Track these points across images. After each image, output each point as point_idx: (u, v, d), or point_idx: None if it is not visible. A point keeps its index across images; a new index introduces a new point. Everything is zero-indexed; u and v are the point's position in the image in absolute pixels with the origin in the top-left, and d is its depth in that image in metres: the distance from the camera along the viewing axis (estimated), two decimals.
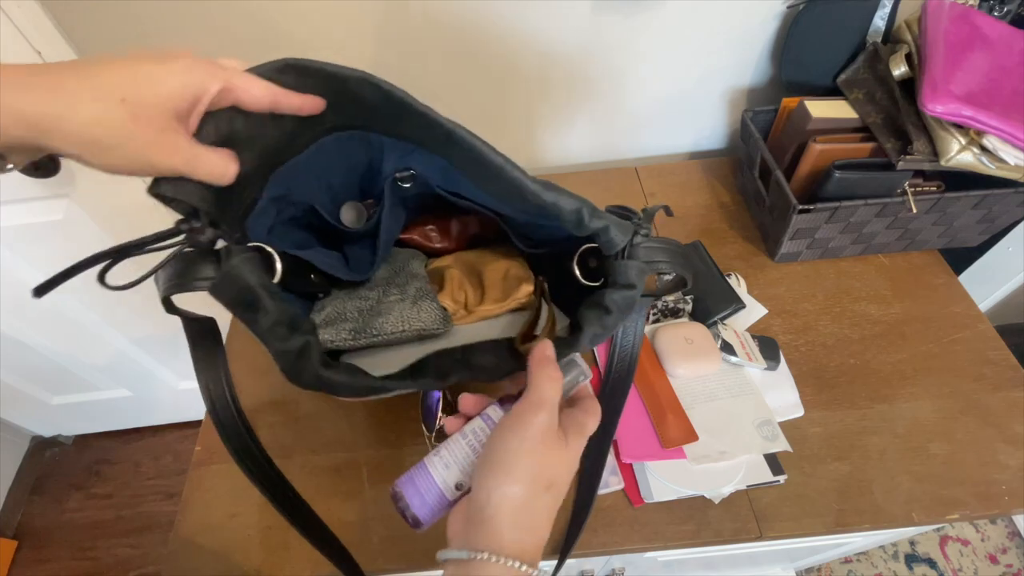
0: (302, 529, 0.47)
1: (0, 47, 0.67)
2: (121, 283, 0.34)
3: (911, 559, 1.32)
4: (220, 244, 0.37)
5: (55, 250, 0.97)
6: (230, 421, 0.40)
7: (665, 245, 0.44)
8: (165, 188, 0.33)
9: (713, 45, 0.77)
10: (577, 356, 0.40)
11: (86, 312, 1.11)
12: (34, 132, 0.28)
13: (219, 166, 0.34)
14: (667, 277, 0.45)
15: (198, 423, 0.68)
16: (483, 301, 0.55)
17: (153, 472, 1.52)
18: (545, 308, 0.55)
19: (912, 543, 1.35)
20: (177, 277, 0.35)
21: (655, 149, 0.92)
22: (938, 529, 1.34)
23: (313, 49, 0.73)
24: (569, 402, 0.39)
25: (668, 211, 0.49)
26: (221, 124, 0.36)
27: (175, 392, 1.40)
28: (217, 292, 0.36)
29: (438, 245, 0.62)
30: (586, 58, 0.77)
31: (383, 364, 0.52)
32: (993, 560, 1.31)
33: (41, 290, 0.32)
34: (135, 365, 1.28)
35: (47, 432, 1.54)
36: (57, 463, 1.55)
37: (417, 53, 0.74)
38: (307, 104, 0.38)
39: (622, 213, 0.45)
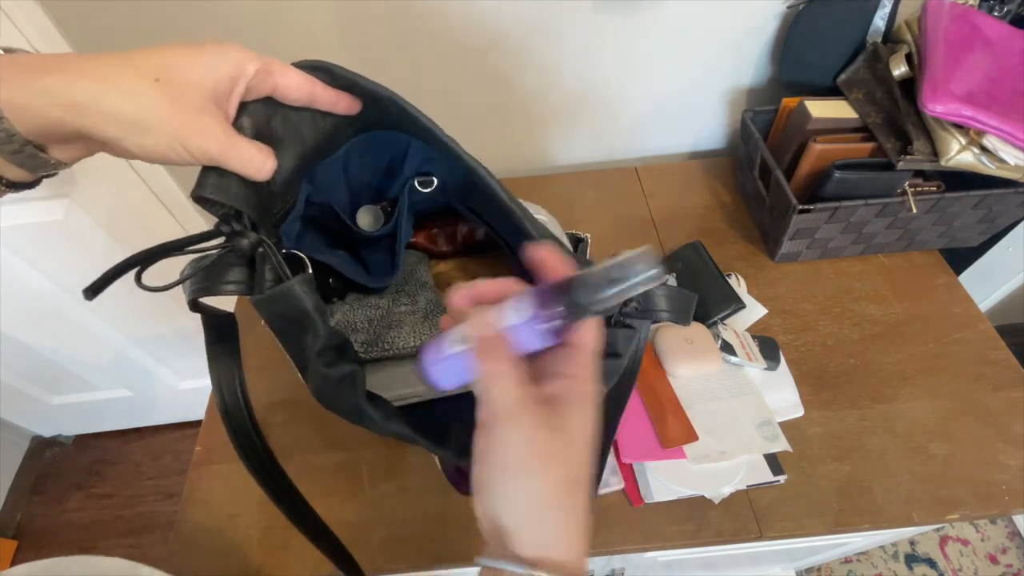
0: (304, 529, 0.46)
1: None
2: (152, 284, 0.34)
3: (911, 559, 1.32)
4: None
5: (55, 250, 0.97)
6: (239, 418, 0.39)
7: (667, 292, 0.44)
8: (209, 191, 0.32)
9: (713, 45, 0.77)
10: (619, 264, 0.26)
11: (86, 312, 1.11)
12: (71, 113, 0.27)
13: (256, 158, 0.33)
14: (664, 315, 0.45)
15: (198, 423, 0.69)
16: None
17: (153, 472, 1.52)
18: None
19: (912, 543, 1.35)
20: (206, 279, 0.34)
21: (655, 149, 0.92)
22: (938, 529, 1.34)
23: (314, 43, 0.73)
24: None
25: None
26: (259, 118, 0.35)
27: (175, 392, 1.40)
28: (263, 307, 0.36)
29: (443, 249, 0.61)
30: (587, 58, 0.77)
31: (393, 384, 0.52)
32: (993, 560, 1.31)
33: (92, 292, 0.33)
34: (135, 365, 1.28)
35: (47, 432, 1.54)
36: (57, 463, 1.55)
37: (417, 53, 0.74)
38: (343, 101, 0.37)
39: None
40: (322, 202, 0.48)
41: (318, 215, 0.50)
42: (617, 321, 0.44)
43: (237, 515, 0.59)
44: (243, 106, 0.34)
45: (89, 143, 0.31)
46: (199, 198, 0.33)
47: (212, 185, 0.33)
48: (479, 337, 0.27)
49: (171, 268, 0.35)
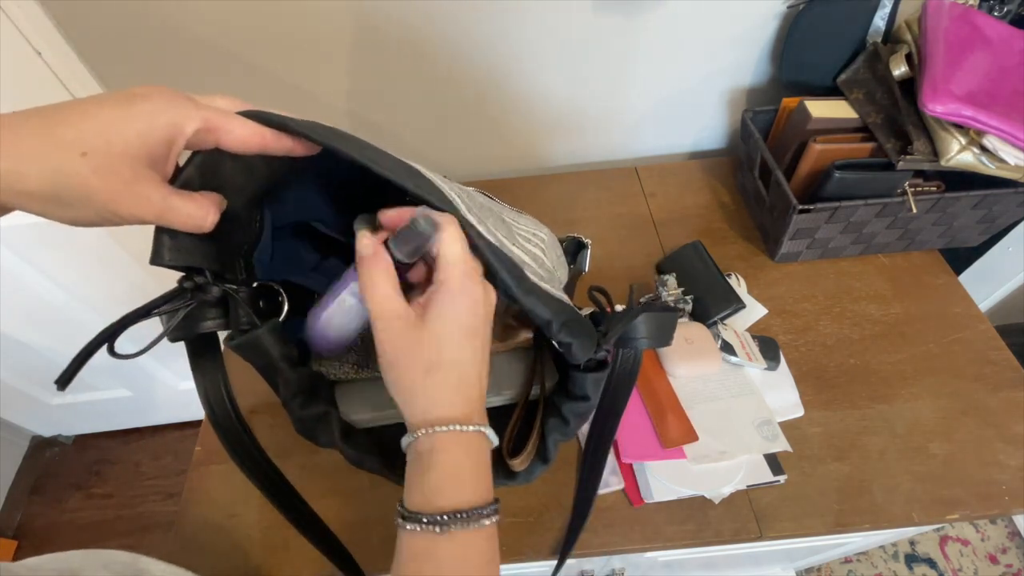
0: (303, 530, 0.47)
1: (0, 47, 0.67)
2: (129, 348, 0.34)
3: (911, 559, 1.32)
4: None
5: (55, 250, 0.97)
6: (230, 426, 0.39)
7: (645, 319, 0.43)
8: (166, 257, 0.32)
9: (713, 45, 0.77)
10: (421, 212, 0.34)
11: (86, 312, 1.11)
12: None
13: (196, 216, 0.31)
14: (644, 341, 0.45)
15: (198, 423, 0.68)
16: None
17: (153, 472, 1.52)
18: (536, 367, 0.54)
19: (912, 543, 1.35)
20: (183, 326, 0.35)
21: (655, 149, 0.92)
22: (938, 529, 1.34)
23: (315, 47, 0.73)
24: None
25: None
26: (207, 168, 0.33)
27: (175, 392, 1.40)
28: (237, 351, 0.37)
29: None
30: (586, 58, 0.77)
31: (382, 403, 0.52)
32: (993, 560, 1.31)
33: (63, 382, 0.32)
34: (135, 365, 1.28)
35: (47, 432, 1.54)
36: (57, 463, 1.55)
37: (416, 54, 0.74)
38: (300, 146, 0.35)
39: (595, 314, 0.45)
40: (299, 221, 0.46)
41: (298, 233, 0.48)
42: (586, 366, 0.44)
43: (237, 515, 0.59)
44: (193, 155, 0.32)
45: (11, 208, 0.29)
46: (159, 264, 0.32)
47: (168, 249, 0.32)
48: (360, 253, 0.34)
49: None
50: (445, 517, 0.32)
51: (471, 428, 0.34)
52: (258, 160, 0.35)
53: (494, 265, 0.37)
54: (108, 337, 0.34)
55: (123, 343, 0.35)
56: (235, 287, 0.36)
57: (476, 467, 0.35)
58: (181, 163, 0.32)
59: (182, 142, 0.30)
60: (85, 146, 0.26)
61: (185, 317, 0.35)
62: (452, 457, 0.34)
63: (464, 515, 0.33)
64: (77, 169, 0.26)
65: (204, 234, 0.33)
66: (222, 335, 0.39)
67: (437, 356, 0.34)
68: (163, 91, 0.29)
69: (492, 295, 0.37)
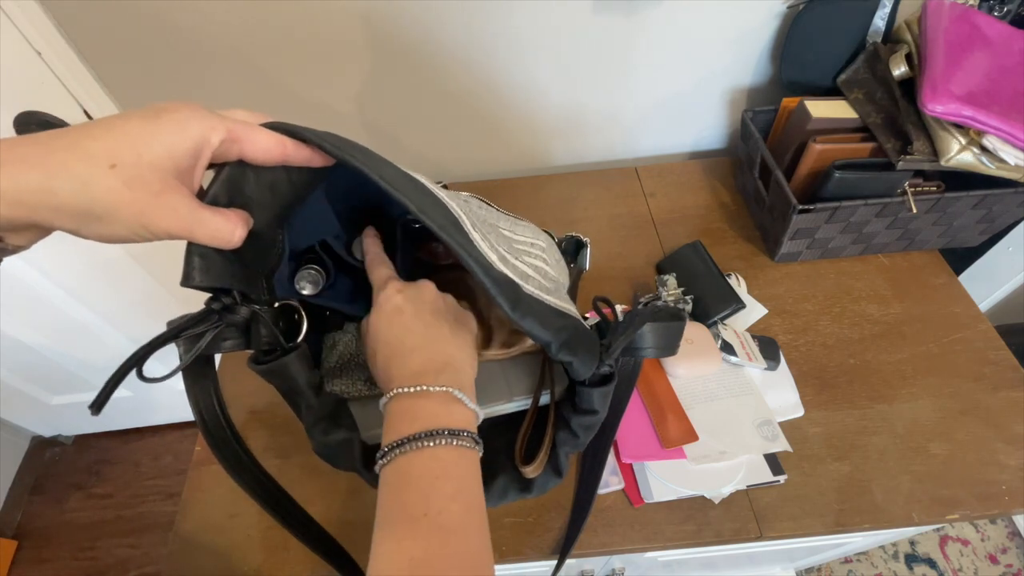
0: (301, 536, 0.46)
1: (0, 47, 0.67)
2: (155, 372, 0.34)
3: (911, 559, 1.32)
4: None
5: (55, 250, 0.97)
6: (222, 436, 0.39)
7: (652, 329, 0.43)
8: (197, 278, 0.32)
9: (713, 45, 0.77)
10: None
11: (86, 312, 1.11)
12: (20, 209, 0.26)
13: (224, 231, 0.31)
14: (650, 351, 0.45)
15: None
16: (489, 345, 0.53)
17: (153, 472, 1.52)
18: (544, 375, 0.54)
19: (912, 543, 1.35)
20: (204, 349, 0.35)
21: (655, 149, 0.92)
22: (938, 529, 1.34)
23: (315, 48, 0.73)
24: None
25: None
26: (232, 185, 0.33)
27: (175, 392, 1.40)
28: (263, 375, 0.37)
29: (444, 263, 0.60)
30: (586, 58, 0.77)
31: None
32: (993, 560, 1.31)
33: (96, 407, 0.32)
34: None
35: (47, 432, 1.54)
36: (57, 463, 1.55)
37: (414, 54, 0.74)
38: (318, 156, 0.35)
39: (599, 325, 0.45)
40: (312, 240, 0.47)
41: (311, 250, 0.49)
42: (591, 381, 0.44)
43: (237, 515, 0.59)
44: (218, 172, 0.33)
45: (47, 228, 0.29)
46: (191, 287, 0.32)
47: (198, 271, 0.32)
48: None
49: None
50: (422, 433, 0.34)
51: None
52: (280, 176, 0.35)
53: (491, 290, 0.37)
54: (137, 362, 0.34)
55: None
56: (260, 308, 0.36)
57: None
58: (204, 185, 0.33)
59: (208, 153, 0.30)
60: (114, 158, 0.27)
61: (211, 344, 0.35)
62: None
63: (444, 432, 0.34)
64: (107, 182, 0.27)
65: (232, 254, 0.33)
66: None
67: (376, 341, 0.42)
68: (188, 104, 0.30)
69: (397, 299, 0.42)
